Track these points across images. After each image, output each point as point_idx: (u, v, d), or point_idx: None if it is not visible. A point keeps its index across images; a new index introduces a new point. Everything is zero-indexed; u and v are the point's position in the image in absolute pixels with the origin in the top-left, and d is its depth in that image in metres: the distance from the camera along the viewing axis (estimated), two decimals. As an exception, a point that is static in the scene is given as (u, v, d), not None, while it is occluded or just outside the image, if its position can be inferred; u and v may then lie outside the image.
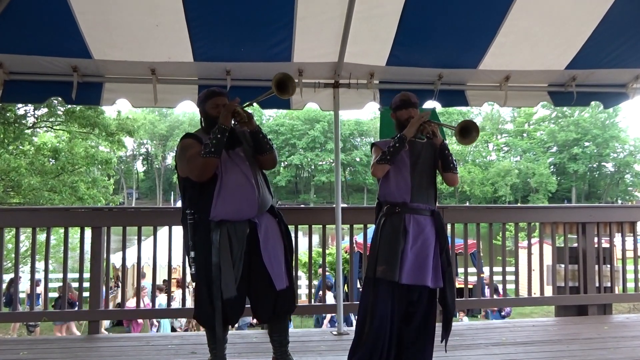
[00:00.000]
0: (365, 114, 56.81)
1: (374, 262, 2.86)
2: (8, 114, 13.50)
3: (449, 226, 4.21)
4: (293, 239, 4.05)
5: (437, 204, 3.05)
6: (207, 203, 2.72)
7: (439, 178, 3.14)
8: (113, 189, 16.38)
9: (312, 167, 57.92)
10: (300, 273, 10.31)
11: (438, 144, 2.96)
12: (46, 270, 4.08)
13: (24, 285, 9.95)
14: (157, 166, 61.92)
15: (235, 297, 2.69)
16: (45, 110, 14.31)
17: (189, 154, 2.73)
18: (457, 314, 10.29)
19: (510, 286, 4.71)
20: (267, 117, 59.17)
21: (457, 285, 6.20)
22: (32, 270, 4.04)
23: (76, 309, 4.40)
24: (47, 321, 9.54)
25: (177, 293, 9.93)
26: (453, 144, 52.80)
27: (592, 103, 4.51)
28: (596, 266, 4.46)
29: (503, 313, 9.92)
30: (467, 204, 40.70)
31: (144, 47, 3.62)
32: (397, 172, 2.93)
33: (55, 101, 12.54)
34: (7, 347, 3.59)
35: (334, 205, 4.06)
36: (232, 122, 2.73)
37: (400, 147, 2.86)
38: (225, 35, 3.56)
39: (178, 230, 3.78)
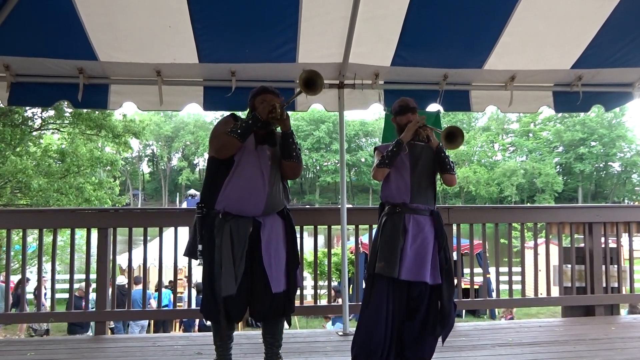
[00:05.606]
0: (370, 115, 56.36)
1: (374, 259, 2.98)
2: (15, 116, 13.60)
3: (454, 226, 4.20)
4: (298, 239, 4.08)
5: (436, 204, 3.15)
6: (216, 195, 2.76)
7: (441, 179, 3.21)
8: (119, 190, 16.44)
9: (317, 167, 57.92)
10: (305, 274, 10.32)
11: (434, 147, 3.09)
12: (53, 271, 4.10)
13: (31, 286, 10.00)
14: (162, 167, 62.03)
15: (237, 294, 2.69)
16: (52, 112, 14.41)
17: (220, 128, 2.82)
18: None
19: (517, 287, 4.69)
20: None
21: (463, 286, 6.20)
22: (39, 271, 4.06)
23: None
24: (55, 322, 9.63)
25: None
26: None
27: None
28: (603, 266, 4.44)
29: None
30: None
31: (149, 48, 3.63)
32: (397, 174, 3.05)
33: (65, 103, 12.61)
34: (15, 347, 3.62)
35: (339, 206, 4.06)
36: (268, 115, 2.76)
37: (397, 151, 3.00)
38: (230, 37, 3.57)
39: (184, 231, 3.80)
